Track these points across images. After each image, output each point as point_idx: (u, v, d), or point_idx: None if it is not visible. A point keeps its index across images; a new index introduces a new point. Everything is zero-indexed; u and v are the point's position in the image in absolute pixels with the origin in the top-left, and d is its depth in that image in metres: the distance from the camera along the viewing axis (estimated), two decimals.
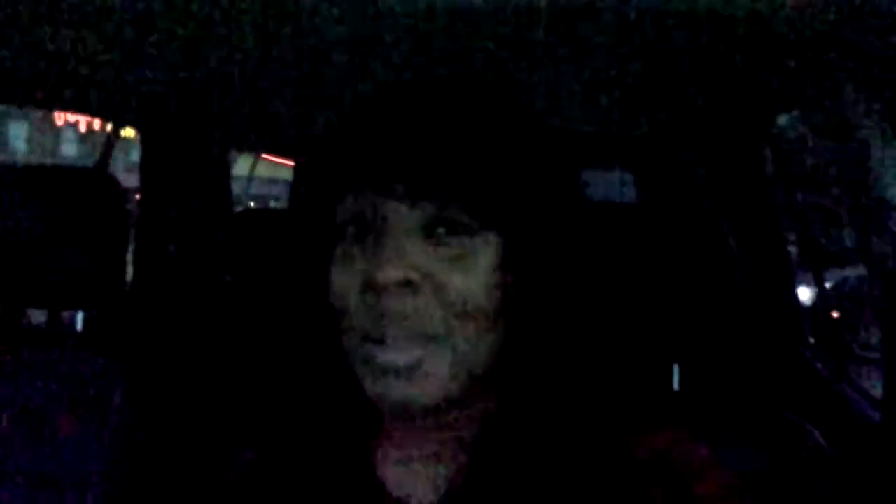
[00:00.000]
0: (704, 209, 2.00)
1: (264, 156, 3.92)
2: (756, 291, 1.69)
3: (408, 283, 0.59)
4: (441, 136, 0.60)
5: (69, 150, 14.85)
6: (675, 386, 1.13)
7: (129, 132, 2.01)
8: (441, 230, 0.60)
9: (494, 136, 0.61)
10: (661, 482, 0.61)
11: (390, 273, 0.58)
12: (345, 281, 0.61)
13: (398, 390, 0.60)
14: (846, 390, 1.47)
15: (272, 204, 8.41)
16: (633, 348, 1.05)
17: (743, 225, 1.75)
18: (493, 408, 0.64)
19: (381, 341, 0.60)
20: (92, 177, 1.29)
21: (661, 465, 0.62)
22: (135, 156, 1.95)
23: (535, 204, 0.62)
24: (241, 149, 3.13)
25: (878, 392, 1.22)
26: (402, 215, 0.60)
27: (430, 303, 0.59)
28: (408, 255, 0.59)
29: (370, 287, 0.59)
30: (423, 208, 0.60)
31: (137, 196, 1.84)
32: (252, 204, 6.45)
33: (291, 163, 2.89)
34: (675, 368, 1.14)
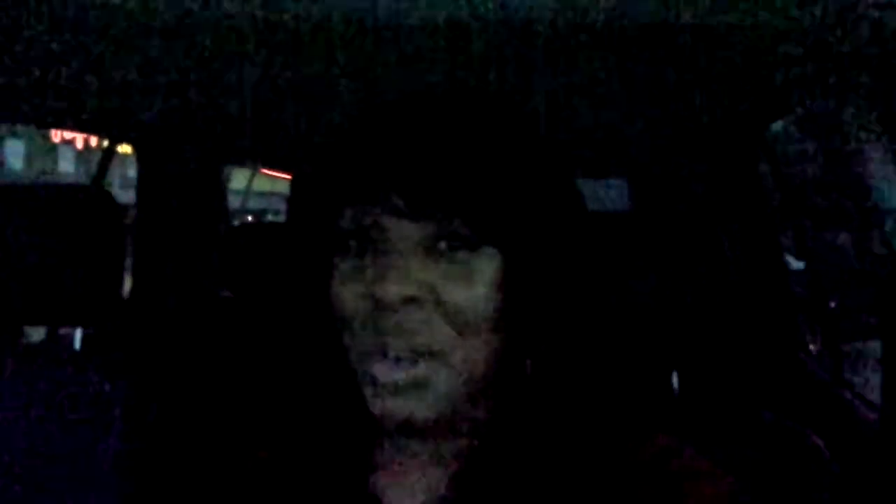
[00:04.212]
0: (700, 216, 2.00)
1: (262, 170, 3.92)
2: (753, 297, 1.69)
3: (411, 300, 0.59)
4: (442, 150, 0.60)
5: (66, 167, 14.85)
6: (675, 391, 1.13)
7: (125, 148, 2.01)
8: (443, 245, 0.60)
9: (495, 149, 0.61)
10: (660, 489, 0.61)
11: (393, 290, 0.58)
12: (348, 296, 0.61)
13: (402, 408, 0.60)
14: (844, 394, 1.47)
15: (270, 217, 8.41)
16: (632, 355, 1.05)
17: (739, 231, 1.76)
18: (490, 417, 0.64)
19: (384, 357, 0.60)
20: (88, 194, 1.29)
21: (659, 472, 0.62)
22: (131, 172, 1.95)
23: (536, 218, 0.62)
24: (238, 163, 3.14)
25: (875, 395, 1.22)
26: (404, 231, 0.60)
27: (432, 318, 0.59)
28: (411, 271, 0.59)
29: (374, 303, 0.59)
30: (425, 223, 0.60)
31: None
32: (250, 218, 6.45)
33: (289, 176, 2.90)
34: (675, 374, 1.14)
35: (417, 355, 0.59)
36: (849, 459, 1.03)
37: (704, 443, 0.65)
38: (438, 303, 0.59)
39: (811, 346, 1.84)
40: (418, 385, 0.59)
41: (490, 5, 0.94)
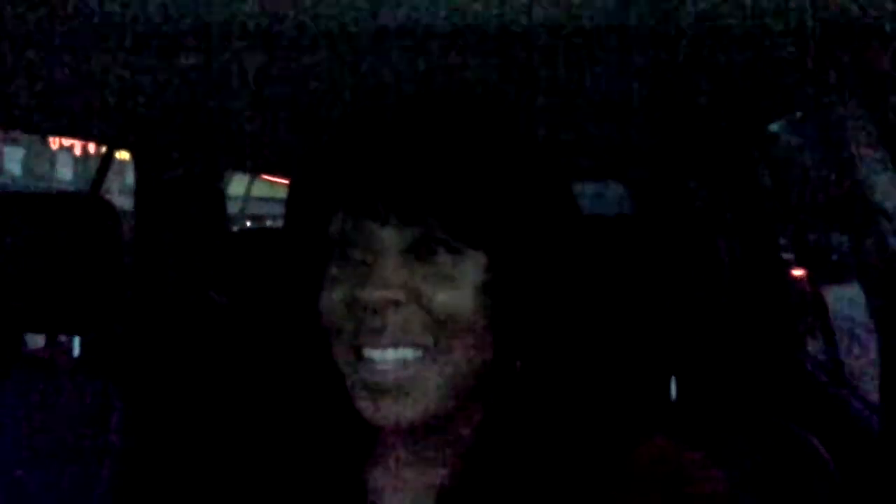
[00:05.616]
0: (696, 218, 2.01)
1: (262, 175, 3.92)
2: (752, 299, 1.69)
3: (393, 303, 0.59)
4: (425, 156, 0.60)
5: (65, 174, 14.85)
6: (673, 396, 1.13)
7: (123, 155, 2.01)
8: (425, 249, 0.60)
9: (479, 156, 0.62)
10: (655, 488, 0.61)
11: (376, 293, 0.59)
12: (332, 299, 0.62)
13: (389, 408, 0.60)
14: (844, 396, 1.47)
15: (269, 223, 8.40)
16: (628, 359, 1.05)
17: (737, 234, 1.76)
18: (482, 417, 0.64)
19: (369, 360, 0.60)
20: (86, 201, 1.29)
21: (654, 471, 0.62)
22: (130, 178, 1.95)
23: (520, 223, 0.62)
24: (236, 168, 3.14)
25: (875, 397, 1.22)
26: (387, 236, 0.60)
27: (416, 317, 0.60)
28: (393, 274, 0.59)
29: (357, 305, 0.60)
30: (407, 228, 0.60)
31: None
32: (249, 223, 6.45)
33: (288, 182, 2.90)
34: (673, 379, 1.14)
35: (403, 355, 0.60)
36: (848, 462, 1.03)
37: (703, 446, 0.65)
38: (422, 304, 0.60)
39: (809, 347, 1.84)
40: (406, 386, 0.60)
41: (487, 8, 0.94)
